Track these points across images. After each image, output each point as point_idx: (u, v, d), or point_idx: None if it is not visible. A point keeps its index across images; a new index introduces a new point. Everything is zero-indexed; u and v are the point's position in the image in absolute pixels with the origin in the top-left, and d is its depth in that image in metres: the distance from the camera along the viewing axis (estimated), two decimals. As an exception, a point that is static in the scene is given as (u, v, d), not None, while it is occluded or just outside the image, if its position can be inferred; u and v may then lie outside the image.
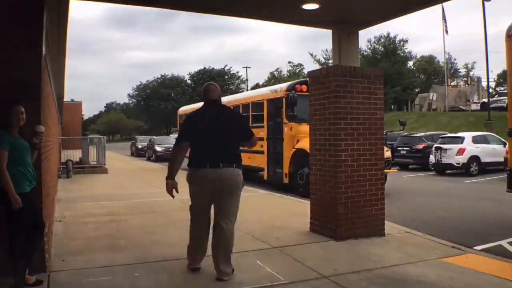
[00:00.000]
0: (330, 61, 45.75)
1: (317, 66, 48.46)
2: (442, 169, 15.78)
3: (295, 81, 11.84)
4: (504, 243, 5.64)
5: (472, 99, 48.06)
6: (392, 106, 47.23)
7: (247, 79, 73.85)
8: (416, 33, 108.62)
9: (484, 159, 15.44)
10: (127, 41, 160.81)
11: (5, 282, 3.52)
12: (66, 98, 27.21)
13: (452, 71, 64.75)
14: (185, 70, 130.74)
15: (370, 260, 4.54)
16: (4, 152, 3.36)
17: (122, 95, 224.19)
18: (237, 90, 74.00)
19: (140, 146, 30.21)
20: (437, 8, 50.01)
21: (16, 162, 3.47)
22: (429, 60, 67.41)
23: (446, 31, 45.52)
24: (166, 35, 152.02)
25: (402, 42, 53.71)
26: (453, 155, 15.29)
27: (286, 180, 10.72)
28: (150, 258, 4.52)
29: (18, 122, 3.55)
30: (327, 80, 5.52)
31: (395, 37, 53.44)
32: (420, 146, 17.59)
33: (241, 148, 4.10)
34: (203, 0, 5.30)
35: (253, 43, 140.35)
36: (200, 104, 4.42)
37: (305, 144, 9.02)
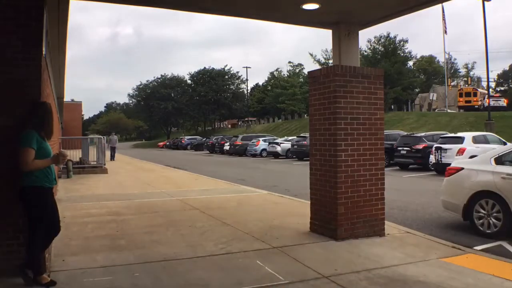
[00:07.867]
0: (330, 61, 45.71)
1: (317, 66, 48.46)
2: (442, 169, 15.73)
3: None
4: (504, 243, 5.64)
5: (472, 99, 48.00)
6: (392, 106, 47.15)
7: (247, 79, 73.82)
8: (416, 33, 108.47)
9: (484, 159, 15.39)
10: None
11: (5, 282, 3.53)
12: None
13: (452, 71, 64.75)
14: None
15: (370, 260, 4.55)
16: (32, 151, 3.49)
17: (122, 95, 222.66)
18: (237, 90, 73.89)
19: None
20: (437, 7, 50.02)
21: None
22: (429, 60, 67.36)
23: (446, 31, 45.53)
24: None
25: (402, 42, 53.54)
26: (453, 155, 15.24)
27: None
28: (150, 258, 4.53)
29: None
30: (327, 80, 5.52)
31: (395, 37, 53.27)
32: (420, 146, 17.55)
33: None
34: (202, 0, 5.30)
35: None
36: None
37: None
